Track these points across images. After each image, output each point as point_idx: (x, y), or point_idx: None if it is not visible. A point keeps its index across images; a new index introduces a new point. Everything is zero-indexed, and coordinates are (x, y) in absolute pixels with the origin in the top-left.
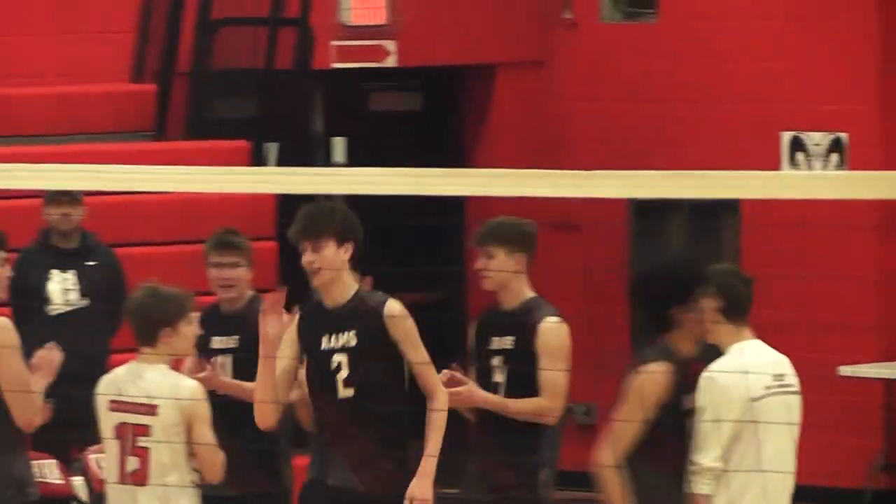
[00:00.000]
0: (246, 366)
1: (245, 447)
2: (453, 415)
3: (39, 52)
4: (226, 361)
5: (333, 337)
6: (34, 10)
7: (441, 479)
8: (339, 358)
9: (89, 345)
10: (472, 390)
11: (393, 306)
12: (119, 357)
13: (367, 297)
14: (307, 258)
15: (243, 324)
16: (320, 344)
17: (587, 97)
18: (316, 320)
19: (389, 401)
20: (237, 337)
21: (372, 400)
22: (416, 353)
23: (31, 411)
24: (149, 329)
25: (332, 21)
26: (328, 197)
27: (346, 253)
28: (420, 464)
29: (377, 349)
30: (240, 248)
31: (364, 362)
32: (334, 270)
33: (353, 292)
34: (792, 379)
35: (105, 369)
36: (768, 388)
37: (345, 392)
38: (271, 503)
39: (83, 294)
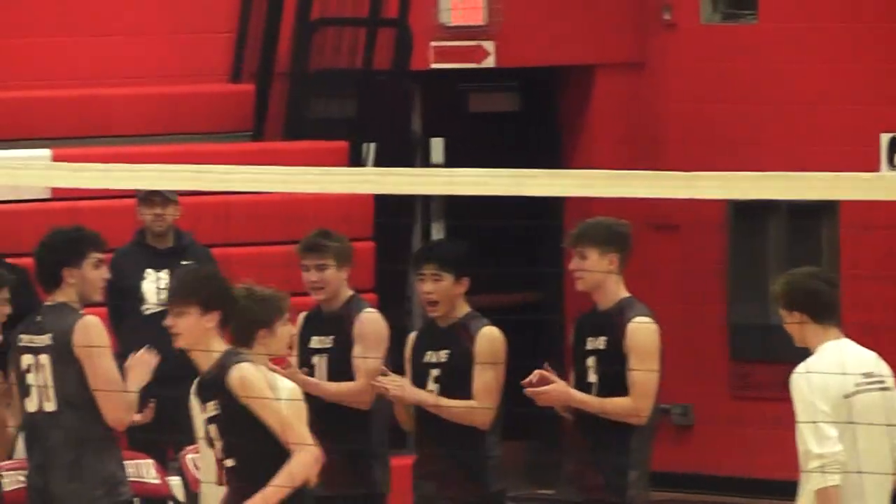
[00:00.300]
0: (340, 366)
1: (335, 447)
2: (551, 414)
3: (139, 53)
4: (321, 361)
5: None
6: (134, 10)
7: (537, 479)
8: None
9: None
10: (557, 389)
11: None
12: None
13: None
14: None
15: (339, 324)
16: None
17: (686, 98)
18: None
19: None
20: (333, 337)
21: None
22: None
23: (121, 410)
24: (245, 330)
25: (430, 22)
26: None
27: (209, 322)
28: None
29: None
30: (327, 251)
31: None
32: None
33: None
34: (885, 375)
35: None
36: (859, 384)
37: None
38: None
39: None
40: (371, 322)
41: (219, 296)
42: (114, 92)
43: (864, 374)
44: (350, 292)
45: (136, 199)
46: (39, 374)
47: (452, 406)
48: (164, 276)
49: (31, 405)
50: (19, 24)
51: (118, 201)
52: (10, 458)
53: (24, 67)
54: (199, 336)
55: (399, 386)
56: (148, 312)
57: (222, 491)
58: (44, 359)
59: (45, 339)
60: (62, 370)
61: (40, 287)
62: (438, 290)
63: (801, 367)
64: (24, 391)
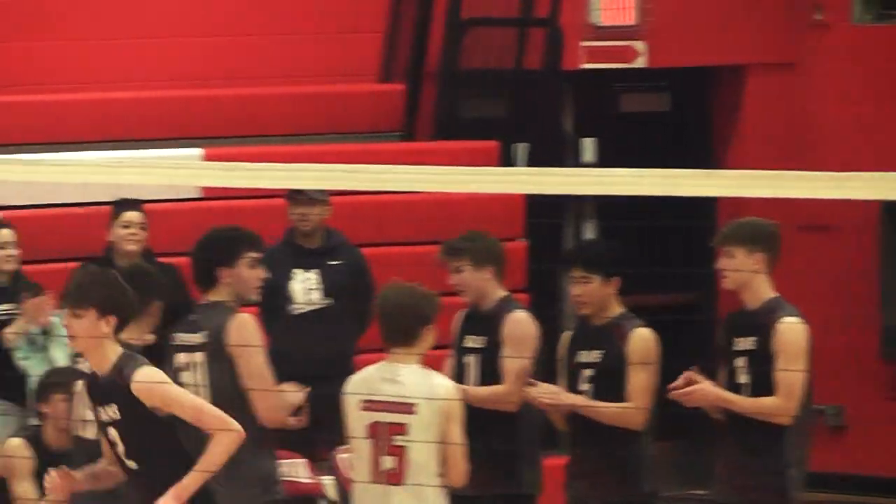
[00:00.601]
0: (490, 366)
1: (482, 448)
2: (702, 414)
3: (291, 53)
4: (473, 361)
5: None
6: (286, 11)
7: (690, 479)
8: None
9: (332, 344)
10: (704, 389)
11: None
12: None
13: None
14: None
15: (490, 325)
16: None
17: (838, 98)
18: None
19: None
20: (484, 337)
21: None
22: None
23: (275, 409)
24: (408, 328)
25: (581, 21)
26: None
27: (105, 326)
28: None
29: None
30: (461, 253)
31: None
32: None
33: None
34: None
35: (349, 369)
36: None
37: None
38: None
39: (326, 293)
40: (518, 323)
41: (116, 300)
42: (265, 91)
43: None
44: (502, 292)
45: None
46: (194, 372)
47: (606, 409)
48: (313, 275)
49: None
50: (171, 25)
51: (269, 201)
52: None
53: (177, 67)
54: (95, 340)
55: (552, 394)
56: (296, 312)
57: (376, 489)
58: (198, 357)
59: (199, 338)
60: (216, 368)
61: (196, 286)
62: (587, 293)
63: None
64: None
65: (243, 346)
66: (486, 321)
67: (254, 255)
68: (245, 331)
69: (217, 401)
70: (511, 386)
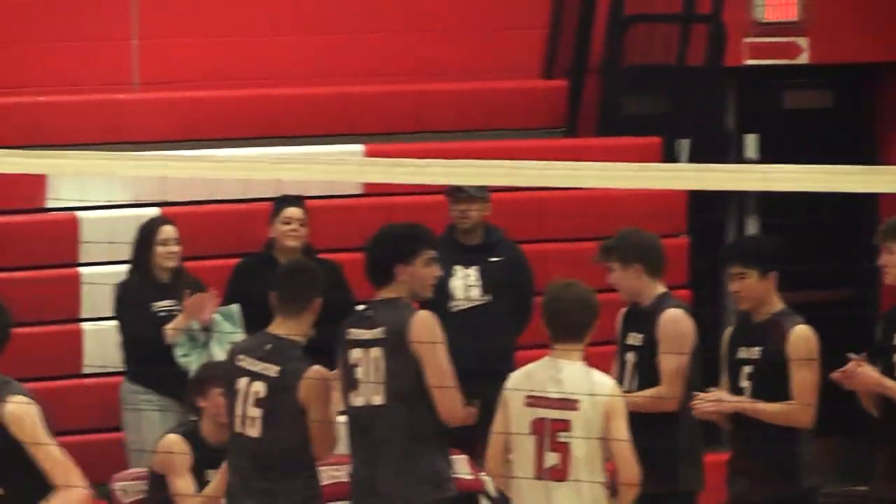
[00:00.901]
0: (647, 363)
1: (641, 445)
2: (861, 410)
3: (453, 50)
4: (632, 358)
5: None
6: (449, 8)
7: (850, 475)
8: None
9: (491, 341)
10: (866, 371)
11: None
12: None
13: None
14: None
15: (647, 322)
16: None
17: None
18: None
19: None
20: (642, 335)
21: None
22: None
23: (457, 407)
24: (577, 325)
25: (744, 18)
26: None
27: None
28: None
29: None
30: (609, 253)
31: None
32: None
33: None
34: None
35: (509, 365)
36: None
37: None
38: (663, 503)
39: (485, 290)
40: (672, 321)
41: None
42: (427, 88)
43: None
44: (660, 289)
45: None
46: (369, 368)
47: (772, 409)
48: (473, 272)
49: (358, 399)
50: (333, 21)
51: (431, 197)
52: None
53: (338, 64)
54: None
55: (715, 401)
56: (456, 309)
57: (539, 486)
58: (375, 352)
59: (376, 333)
60: (395, 364)
61: (371, 281)
62: (745, 288)
63: None
64: (351, 385)
65: (427, 342)
66: (643, 318)
67: (430, 252)
68: (428, 327)
69: (393, 396)
70: (668, 386)
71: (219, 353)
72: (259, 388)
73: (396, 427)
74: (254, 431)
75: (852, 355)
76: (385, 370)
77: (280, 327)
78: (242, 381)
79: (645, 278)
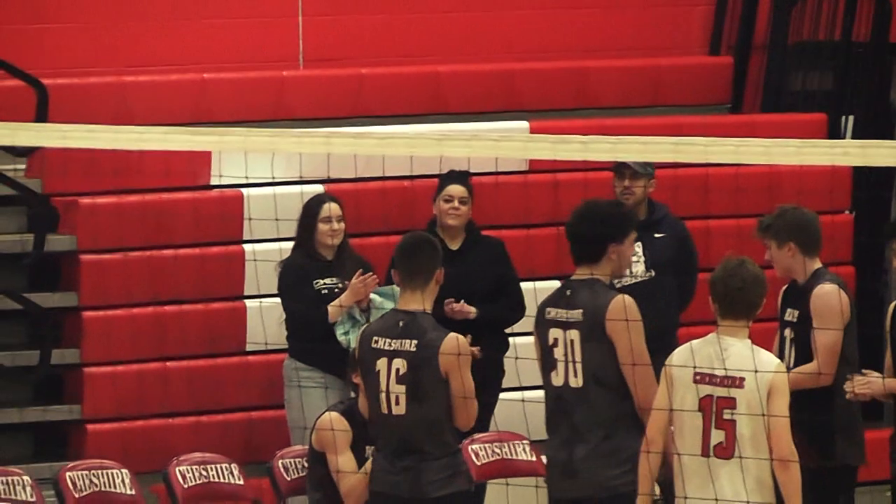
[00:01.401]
0: (803, 339)
1: (798, 421)
2: None
3: (618, 25)
4: (789, 334)
5: None
6: None
7: None
8: None
9: (655, 317)
10: (871, 383)
11: None
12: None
13: None
14: None
15: (803, 298)
16: None
17: None
18: None
19: None
20: (798, 311)
21: None
22: None
23: (651, 391)
24: (749, 304)
25: None
26: None
27: None
28: None
29: None
30: (766, 230)
31: None
32: None
33: None
34: None
35: (672, 342)
36: None
37: None
38: (823, 478)
39: (649, 266)
40: (822, 296)
41: None
42: (592, 64)
43: None
44: (816, 266)
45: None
46: (567, 348)
47: None
48: (637, 249)
49: (558, 379)
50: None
51: (595, 174)
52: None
53: (503, 40)
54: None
55: (866, 384)
56: (620, 285)
57: (705, 463)
58: (573, 334)
59: (576, 315)
60: (592, 347)
61: (577, 259)
62: None
63: None
64: (550, 365)
65: (625, 326)
66: (800, 295)
67: (635, 233)
68: (626, 311)
69: (590, 379)
70: (821, 363)
71: None
72: (399, 364)
73: (595, 409)
74: (399, 409)
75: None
76: (582, 352)
77: (409, 303)
78: (381, 362)
79: (799, 256)
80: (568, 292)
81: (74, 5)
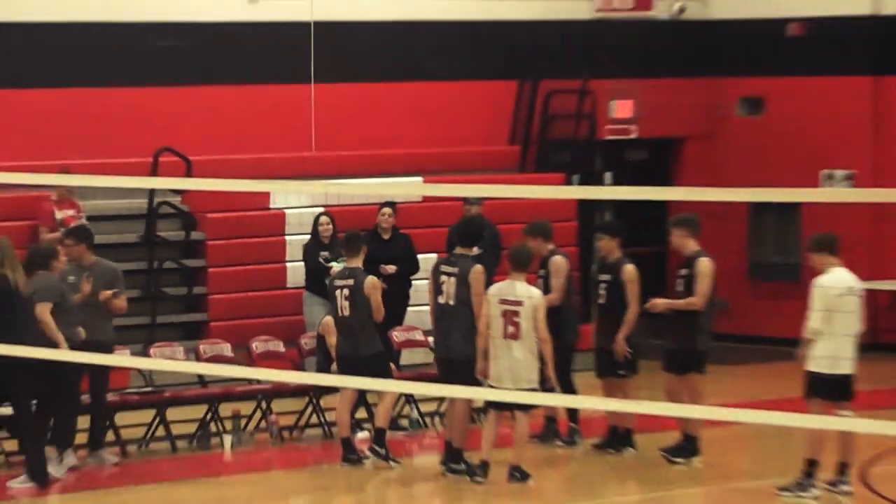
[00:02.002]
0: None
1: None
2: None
3: (447, 126)
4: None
5: None
6: None
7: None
8: None
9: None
10: (656, 303)
11: None
12: None
13: None
14: None
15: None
16: None
17: None
18: None
19: None
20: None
21: None
22: None
23: None
24: (524, 265)
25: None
26: None
27: None
28: None
29: None
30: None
31: None
32: None
33: None
34: (859, 288)
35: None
36: (844, 291)
37: None
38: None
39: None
40: (556, 262)
41: None
42: (434, 150)
43: (848, 288)
44: (551, 246)
45: None
46: (448, 286)
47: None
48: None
49: (442, 300)
50: None
51: (438, 203)
52: None
53: None
54: None
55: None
56: (475, 255)
57: (504, 342)
58: (453, 279)
59: (455, 270)
60: (461, 287)
61: (459, 244)
62: None
63: (818, 280)
64: (439, 292)
65: (477, 278)
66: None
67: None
68: (478, 272)
69: (458, 301)
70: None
71: None
72: (346, 291)
73: (459, 317)
74: (346, 312)
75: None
76: (456, 288)
77: (351, 263)
78: (338, 292)
79: (544, 244)
80: (453, 258)
81: None
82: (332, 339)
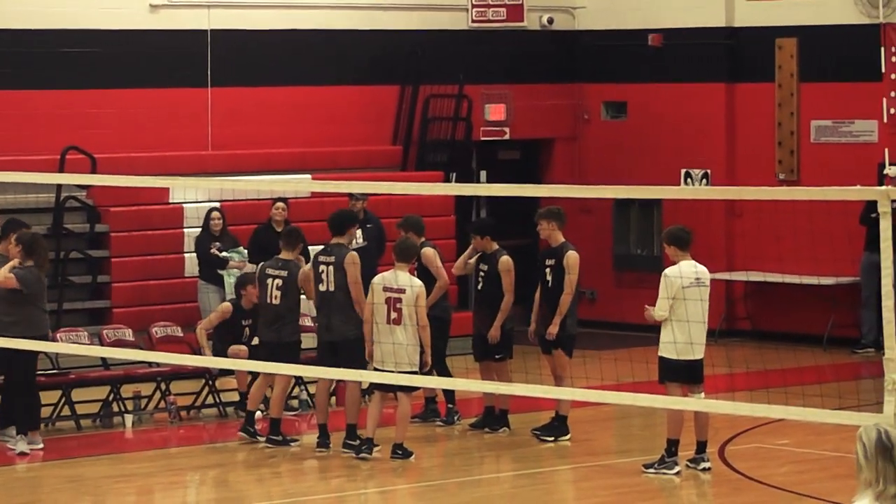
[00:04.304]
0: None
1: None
2: None
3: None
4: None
5: None
6: None
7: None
8: None
9: (368, 260)
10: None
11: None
12: None
13: None
14: None
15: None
16: None
17: None
18: None
19: None
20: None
21: None
22: None
23: None
24: (409, 257)
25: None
26: None
27: None
28: None
29: None
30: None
31: None
32: None
33: None
34: (706, 279)
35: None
36: (692, 282)
37: None
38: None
39: (364, 241)
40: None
41: None
42: (340, 149)
43: (696, 278)
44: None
45: None
46: (327, 274)
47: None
48: (358, 233)
49: (323, 287)
50: None
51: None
52: None
53: None
54: None
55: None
56: (354, 247)
57: (388, 327)
58: (331, 267)
59: (332, 259)
60: (339, 274)
61: (333, 234)
62: None
63: (666, 271)
64: (319, 281)
65: (353, 265)
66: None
67: (357, 225)
68: (353, 259)
69: (337, 288)
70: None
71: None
72: (278, 281)
73: (338, 302)
74: (276, 301)
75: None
76: (334, 276)
77: (285, 255)
78: (270, 280)
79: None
80: (329, 248)
81: None
82: (210, 317)
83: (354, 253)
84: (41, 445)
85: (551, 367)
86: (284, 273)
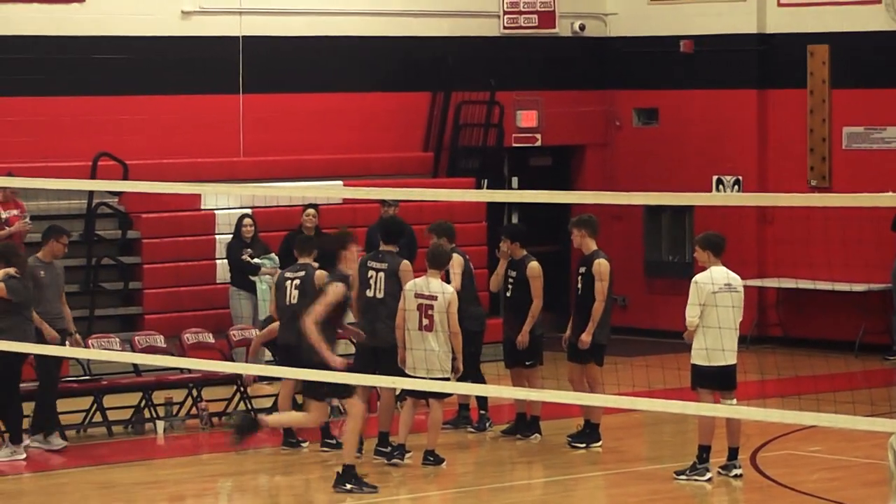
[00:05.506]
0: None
1: None
2: None
3: (370, 137)
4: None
5: None
6: None
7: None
8: None
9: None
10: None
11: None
12: None
13: None
14: None
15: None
16: None
17: None
18: None
19: None
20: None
21: None
22: None
23: None
24: (440, 265)
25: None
26: None
27: None
28: None
29: None
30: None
31: None
32: None
33: None
34: (738, 285)
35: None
36: (721, 287)
37: None
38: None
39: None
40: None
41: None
42: (371, 156)
43: (725, 284)
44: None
45: None
46: (377, 280)
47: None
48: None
49: (370, 293)
50: None
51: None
52: None
53: None
54: None
55: None
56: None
57: (420, 333)
58: (381, 274)
59: (383, 266)
60: (390, 281)
61: (384, 242)
62: None
63: (697, 277)
64: (367, 286)
65: (408, 272)
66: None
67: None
68: (407, 266)
69: (386, 294)
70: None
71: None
72: (297, 282)
73: (387, 307)
74: (293, 300)
75: None
76: (385, 282)
77: (301, 259)
78: (288, 283)
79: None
80: (380, 255)
81: None
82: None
83: (408, 262)
84: (24, 456)
85: (572, 375)
86: (302, 273)
